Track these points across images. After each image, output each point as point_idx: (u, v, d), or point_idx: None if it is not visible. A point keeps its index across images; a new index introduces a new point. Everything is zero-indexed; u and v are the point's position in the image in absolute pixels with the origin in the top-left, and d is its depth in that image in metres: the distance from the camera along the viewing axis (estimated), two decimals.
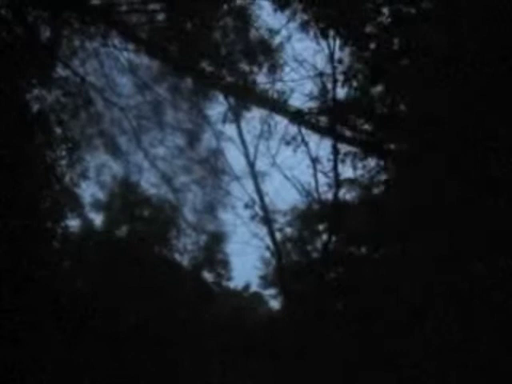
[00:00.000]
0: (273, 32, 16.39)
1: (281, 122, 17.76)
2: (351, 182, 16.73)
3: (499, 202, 11.06)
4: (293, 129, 17.36)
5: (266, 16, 16.24)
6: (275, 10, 15.53)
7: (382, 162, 15.58)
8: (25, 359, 12.57)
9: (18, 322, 12.46)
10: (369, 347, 14.47)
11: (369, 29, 12.90)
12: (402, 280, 13.32)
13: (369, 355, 14.44)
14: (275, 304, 21.18)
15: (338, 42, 15.27)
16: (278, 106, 17.53)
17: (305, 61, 16.76)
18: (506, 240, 11.28)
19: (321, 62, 16.64)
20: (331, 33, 15.04)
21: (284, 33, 16.40)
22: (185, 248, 19.48)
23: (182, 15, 16.09)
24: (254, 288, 22.78)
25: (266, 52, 16.87)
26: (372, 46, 12.91)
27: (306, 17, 15.30)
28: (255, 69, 17.11)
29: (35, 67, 14.59)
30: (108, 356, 14.54)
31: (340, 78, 15.15)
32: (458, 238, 11.62)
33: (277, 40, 16.66)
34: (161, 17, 16.77)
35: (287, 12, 15.48)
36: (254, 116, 18.15)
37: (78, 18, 15.67)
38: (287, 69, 17.06)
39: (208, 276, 20.39)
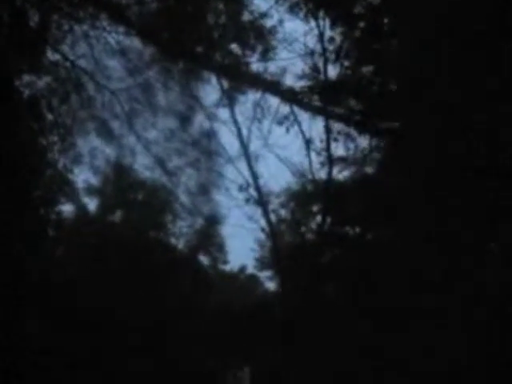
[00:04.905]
0: (263, 15, 16.26)
1: (273, 104, 17.69)
2: (344, 160, 16.60)
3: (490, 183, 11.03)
4: (285, 108, 17.31)
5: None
6: None
7: (374, 141, 15.54)
8: (17, 346, 12.59)
9: (10, 309, 12.47)
10: (363, 330, 14.46)
11: (358, 9, 12.78)
12: (394, 261, 13.33)
13: (363, 338, 14.43)
14: (271, 285, 21.26)
15: (327, 21, 15.12)
16: (270, 85, 17.41)
17: (296, 40, 16.62)
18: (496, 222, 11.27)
19: (312, 41, 16.53)
20: (321, 13, 14.93)
21: (276, 16, 16.30)
22: (180, 231, 19.46)
23: None
24: (249, 270, 22.87)
25: (258, 35, 16.76)
26: (361, 25, 12.80)
27: None
28: (248, 52, 17.02)
29: (25, 52, 14.45)
30: (101, 342, 14.57)
31: (331, 56, 15.05)
32: (449, 218, 11.61)
33: (269, 23, 16.55)
34: None
35: None
36: (248, 99, 18.10)
37: (66, 1, 15.50)
38: (279, 49, 16.96)
39: (204, 259, 20.45)
